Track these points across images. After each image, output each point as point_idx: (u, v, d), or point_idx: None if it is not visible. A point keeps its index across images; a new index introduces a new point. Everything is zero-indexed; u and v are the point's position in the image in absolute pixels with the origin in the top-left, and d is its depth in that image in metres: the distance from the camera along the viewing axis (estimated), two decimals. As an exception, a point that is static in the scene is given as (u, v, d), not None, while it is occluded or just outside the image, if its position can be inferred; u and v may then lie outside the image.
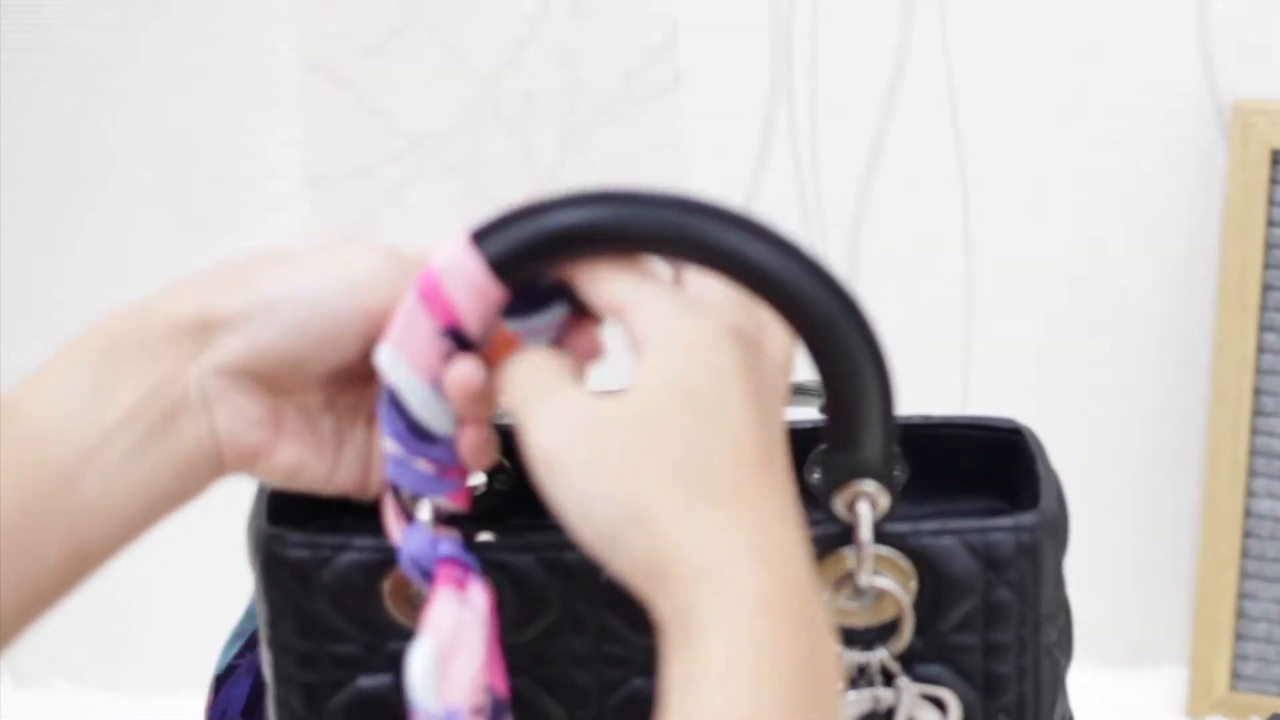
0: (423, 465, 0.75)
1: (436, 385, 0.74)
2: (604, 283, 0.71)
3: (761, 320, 0.71)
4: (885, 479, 0.76)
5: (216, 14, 1.28)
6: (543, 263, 0.73)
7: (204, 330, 0.72)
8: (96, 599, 1.38)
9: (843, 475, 0.76)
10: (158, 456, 0.72)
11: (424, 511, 0.75)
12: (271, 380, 0.74)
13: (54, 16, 1.28)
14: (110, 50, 1.28)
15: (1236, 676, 1.31)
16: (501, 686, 0.74)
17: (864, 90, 1.30)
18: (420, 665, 0.71)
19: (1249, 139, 1.25)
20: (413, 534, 0.76)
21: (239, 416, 0.74)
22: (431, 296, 0.73)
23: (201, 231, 1.31)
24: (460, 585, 0.74)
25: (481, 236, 0.73)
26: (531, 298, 0.75)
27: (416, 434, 0.74)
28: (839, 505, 0.76)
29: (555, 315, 0.75)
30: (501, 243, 0.73)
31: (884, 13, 1.28)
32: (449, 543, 0.75)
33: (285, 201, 1.31)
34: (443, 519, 0.76)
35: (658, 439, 0.66)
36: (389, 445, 0.75)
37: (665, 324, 0.69)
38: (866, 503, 0.76)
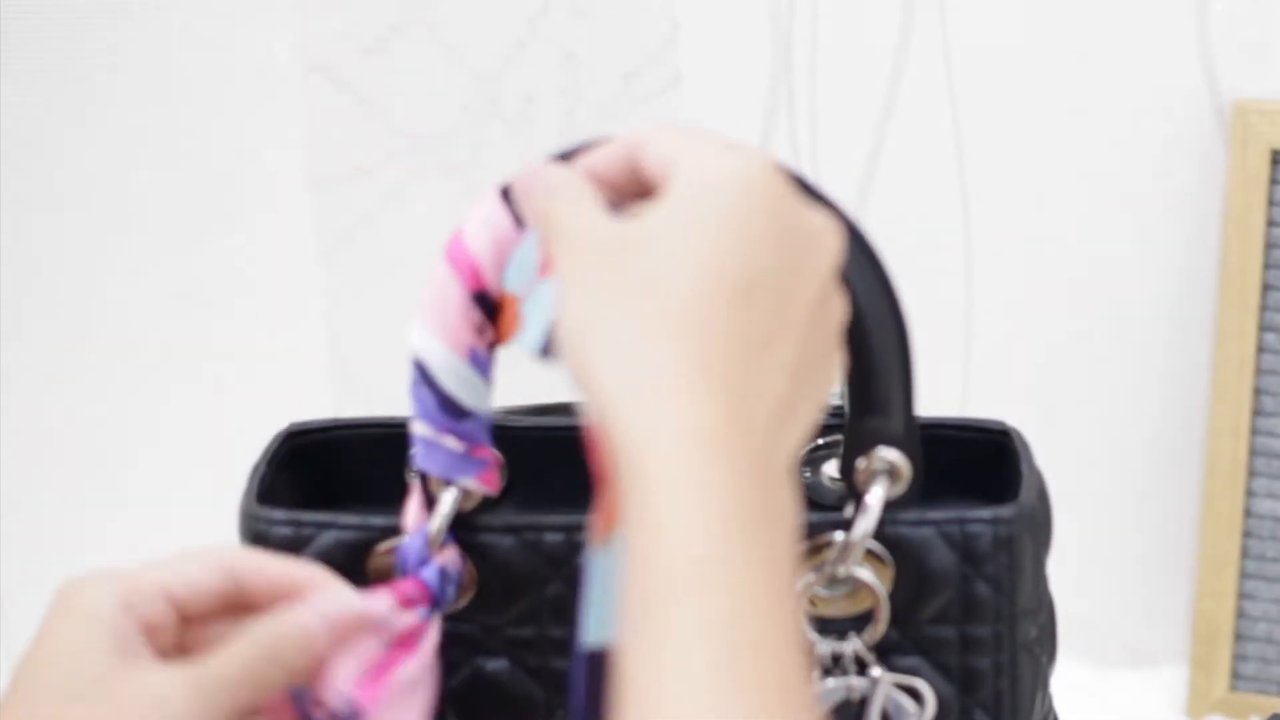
0: (451, 443, 0.75)
1: (468, 358, 0.75)
2: (651, 146, 0.68)
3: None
4: (908, 450, 0.76)
5: (216, 14, 1.28)
6: None
7: None
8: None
9: (866, 442, 0.76)
10: None
11: (447, 502, 0.76)
12: None
13: (53, 17, 1.28)
14: (109, 50, 1.29)
15: (1236, 676, 1.31)
16: (366, 704, 0.71)
17: (864, 90, 1.30)
18: None
19: (1249, 139, 1.25)
20: (416, 537, 0.76)
21: None
22: (458, 257, 0.74)
23: (201, 232, 1.31)
24: (407, 604, 0.74)
25: (511, 192, 0.74)
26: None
27: (446, 409, 0.75)
28: (860, 475, 0.76)
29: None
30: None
31: (884, 13, 1.28)
32: (433, 568, 0.76)
33: (285, 201, 1.31)
34: (462, 522, 0.76)
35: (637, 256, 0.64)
36: (418, 427, 0.75)
37: (709, 161, 0.65)
38: (884, 481, 0.76)
